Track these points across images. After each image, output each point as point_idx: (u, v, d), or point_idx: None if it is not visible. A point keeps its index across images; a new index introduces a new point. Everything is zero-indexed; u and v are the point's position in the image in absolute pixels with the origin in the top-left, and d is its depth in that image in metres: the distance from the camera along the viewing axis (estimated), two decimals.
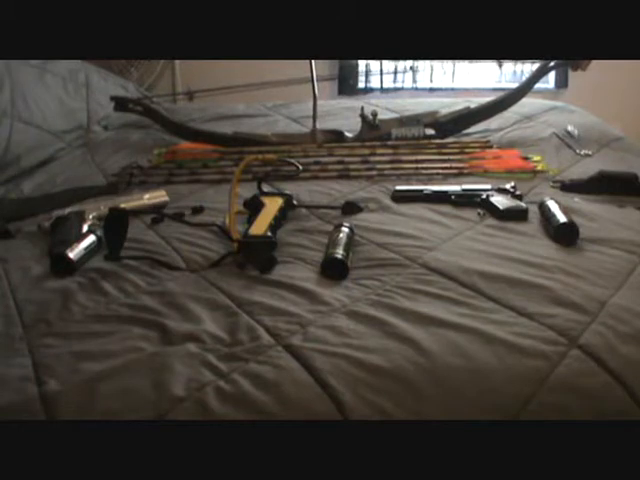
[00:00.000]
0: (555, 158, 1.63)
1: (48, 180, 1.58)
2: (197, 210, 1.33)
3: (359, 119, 1.83)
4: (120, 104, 1.91)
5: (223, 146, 1.73)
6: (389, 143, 1.72)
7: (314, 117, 1.81)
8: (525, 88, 1.90)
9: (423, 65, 3.12)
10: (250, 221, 1.20)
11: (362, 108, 1.81)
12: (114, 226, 1.15)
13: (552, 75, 3.33)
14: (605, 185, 1.38)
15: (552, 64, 1.91)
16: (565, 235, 1.16)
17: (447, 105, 2.09)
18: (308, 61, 1.84)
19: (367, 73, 3.15)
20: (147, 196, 1.38)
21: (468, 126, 1.85)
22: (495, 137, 1.80)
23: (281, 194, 1.33)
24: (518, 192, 1.35)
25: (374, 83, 3.16)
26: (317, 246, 1.15)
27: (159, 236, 1.22)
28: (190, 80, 2.95)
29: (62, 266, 1.08)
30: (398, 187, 1.40)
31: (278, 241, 1.16)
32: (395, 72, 3.16)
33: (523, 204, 1.30)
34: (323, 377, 0.80)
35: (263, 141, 1.75)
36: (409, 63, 3.13)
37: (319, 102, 1.87)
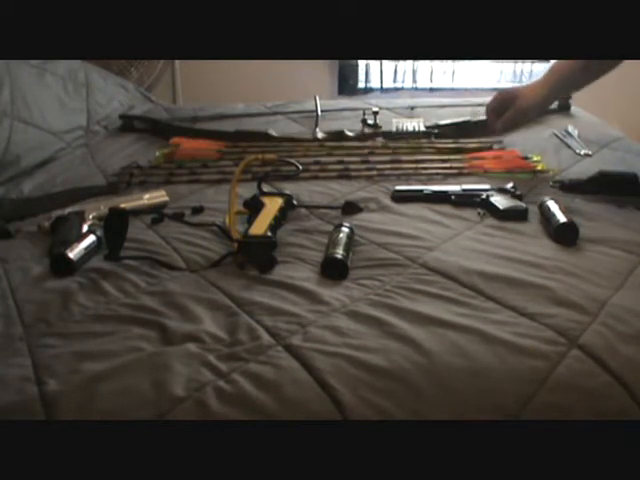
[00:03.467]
0: (555, 158, 1.63)
1: (48, 180, 1.57)
2: (197, 210, 1.33)
3: (359, 119, 1.83)
4: (126, 122, 1.98)
5: (225, 140, 1.73)
6: (390, 144, 1.72)
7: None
8: None
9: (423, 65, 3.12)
10: (250, 221, 1.20)
11: (364, 112, 1.82)
12: (114, 226, 1.15)
13: None
14: (605, 185, 1.38)
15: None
16: (565, 235, 1.16)
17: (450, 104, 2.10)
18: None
19: (367, 73, 3.15)
20: (147, 196, 1.38)
21: (465, 137, 1.81)
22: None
23: (281, 194, 1.33)
24: (518, 192, 1.35)
25: (374, 83, 3.16)
26: (317, 246, 1.15)
27: (159, 236, 1.22)
28: (190, 80, 2.96)
29: (62, 266, 1.08)
30: (398, 187, 1.40)
31: (278, 241, 1.16)
32: (395, 72, 3.16)
33: (523, 204, 1.30)
34: (323, 377, 0.80)
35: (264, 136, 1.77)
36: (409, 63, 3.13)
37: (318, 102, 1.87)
